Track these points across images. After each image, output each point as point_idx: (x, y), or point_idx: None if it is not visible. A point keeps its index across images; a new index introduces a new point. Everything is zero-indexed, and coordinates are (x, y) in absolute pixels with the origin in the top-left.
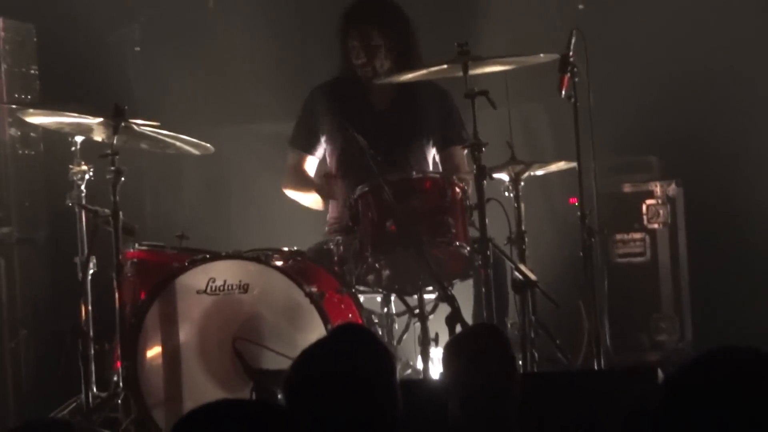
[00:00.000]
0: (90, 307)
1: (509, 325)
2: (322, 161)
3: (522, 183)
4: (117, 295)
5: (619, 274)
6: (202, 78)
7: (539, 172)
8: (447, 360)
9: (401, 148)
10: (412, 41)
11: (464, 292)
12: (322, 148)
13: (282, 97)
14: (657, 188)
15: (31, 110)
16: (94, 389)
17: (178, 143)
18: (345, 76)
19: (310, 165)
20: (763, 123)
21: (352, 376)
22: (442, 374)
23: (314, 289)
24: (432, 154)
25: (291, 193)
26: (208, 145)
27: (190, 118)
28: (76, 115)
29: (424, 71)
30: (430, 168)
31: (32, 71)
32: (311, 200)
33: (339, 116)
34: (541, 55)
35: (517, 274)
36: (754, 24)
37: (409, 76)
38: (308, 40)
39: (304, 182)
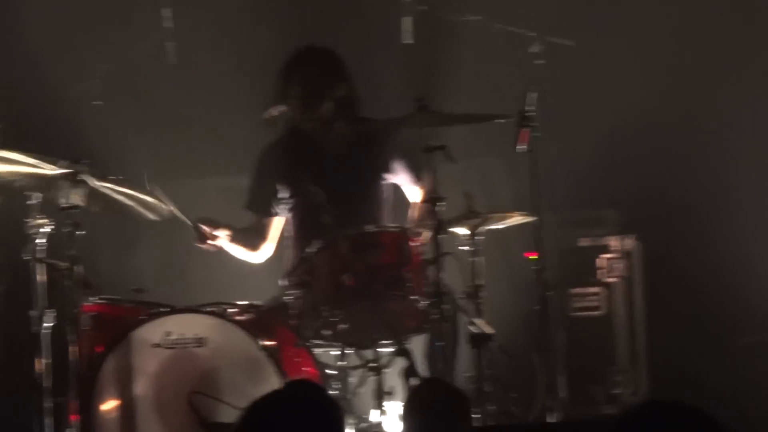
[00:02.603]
0: (47, 361)
1: (465, 379)
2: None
3: (479, 236)
4: (74, 349)
5: (576, 327)
6: (160, 132)
7: (496, 226)
8: (403, 414)
9: (359, 193)
10: (350, 82)
11: (419, 345)
12: (283, 206)
13: (238, 152)
14: (614, 242)
15: None
16: None
17: (133, 204)
18: (295, 129)
19: (276, 225)
20: (720, 178)
21: (299, 427)
22: (401, 428)
23: (270, 343)
24: (388, 195)
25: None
26: (164, 206)
27: (148, 171)
28: (34, 163)
29: (381, 126)
30: (386, 212)
31: None
32: (247, 254)
33: (294, 169)
34: (501, 120)
35: (473, 327)
36: (710, 79)
37: (367, 129)
38: (266, 96)
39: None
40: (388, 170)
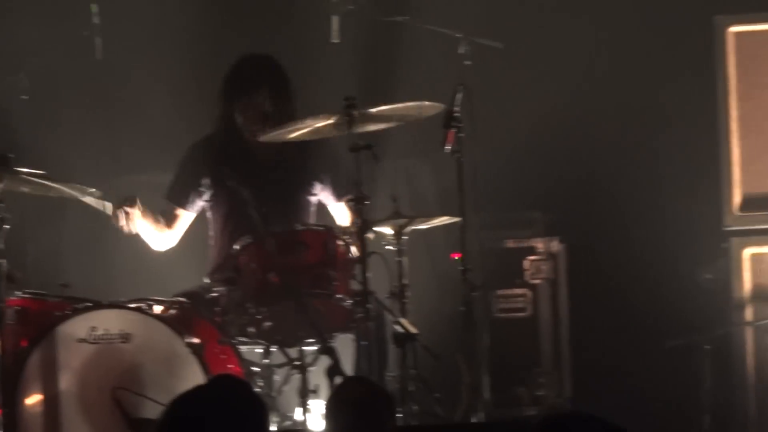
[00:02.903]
0: None
1: (389, 378)
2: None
3: (405, 237)
4: None
5: (500, 328)
6: (89, 127)
7: (422, 226)
8: (327, 412)
9: (286, 199)
10: (295, 100)
11: (346, 344)
12: (200, 203)
13: (169, 148)
14: (539, 244)
15: None
16: None
17: (61, 187)
18: (225, 129)
19: (184, 219)
20: (642, 182)
21: (223, 422)
22: (324, 426)
23: (195, 340)
24: (315, 208)
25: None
26: (93, 189)
27: (77, 167)
28: None
29: (310, 127)
30: (312, 217)
31: None
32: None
33: (222, 166)
34: (426, 102)
35: (398, 327)
36: (635, 84)
37: (296, 134)
38: (197, 91)
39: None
40: (317, 179)
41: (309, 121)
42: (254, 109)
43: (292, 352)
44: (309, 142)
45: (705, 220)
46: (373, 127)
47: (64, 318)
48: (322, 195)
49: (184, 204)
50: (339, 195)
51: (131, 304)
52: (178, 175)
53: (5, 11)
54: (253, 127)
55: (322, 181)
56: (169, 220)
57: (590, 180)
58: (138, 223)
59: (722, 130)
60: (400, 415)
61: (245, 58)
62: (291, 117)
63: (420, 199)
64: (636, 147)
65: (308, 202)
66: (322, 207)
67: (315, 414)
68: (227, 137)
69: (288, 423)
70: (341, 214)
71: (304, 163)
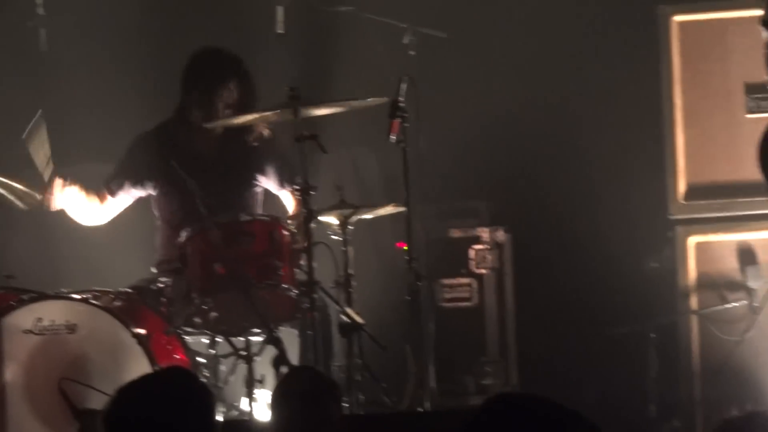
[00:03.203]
0: None
1: (335, 368)
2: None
3: (350, 226)
4: None
5: (446, 318)
6: (34, 118)
7: (368, 216)
8: (273, 402)
9: (230, 191)
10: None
11: (291, 334)
12: (136, 193)
13: (115, 138)
14: (484, 234)
15: None
16: None
17: (3, 191)
18: (171, 120)
19: (113, 205)
20: (588, 174)
21: (169, 412)
22: (270, 416)
23: (141, 330)
24: (261, 197)
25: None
26: (37, 195)
27: (19, 159)
28: None
29: (256, 116)
30: (259, 211)
31: None
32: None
33: (168, 161)
34: (369, 99)
35: (343, 317)
36: (583, 77)
37: (241, 120)
38: (142, 81)
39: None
40: (260, 171)
41: (255, 113)
42: (222, 102)
43: (238, 342)
44: (251, 132)
45: (650, 209)
46: (318, 112)
47: (10, 309)
48: (267, 185)
49: (115, 192)
50: (282, 184)
51: (77, 294)
52: (120, 167)
53: None
54: (204, 116)
55: (265, 174)
56: (101, 200)
57: (535, 169)
58: (74, 197)
59: (667, 119)
60: (347, 404)
61: (209, 51)
62: (250, 106)
63: (365, 189)
64: (580, 136)
65: (253, 193)
66: (270, 196)
67: (261, 404)
68: (179, 129)
69: (234, 413)
70: (287, 200)
71: (248, 155)
